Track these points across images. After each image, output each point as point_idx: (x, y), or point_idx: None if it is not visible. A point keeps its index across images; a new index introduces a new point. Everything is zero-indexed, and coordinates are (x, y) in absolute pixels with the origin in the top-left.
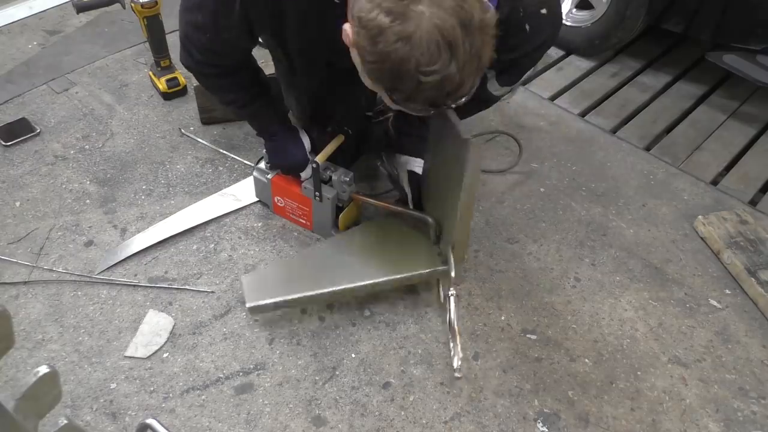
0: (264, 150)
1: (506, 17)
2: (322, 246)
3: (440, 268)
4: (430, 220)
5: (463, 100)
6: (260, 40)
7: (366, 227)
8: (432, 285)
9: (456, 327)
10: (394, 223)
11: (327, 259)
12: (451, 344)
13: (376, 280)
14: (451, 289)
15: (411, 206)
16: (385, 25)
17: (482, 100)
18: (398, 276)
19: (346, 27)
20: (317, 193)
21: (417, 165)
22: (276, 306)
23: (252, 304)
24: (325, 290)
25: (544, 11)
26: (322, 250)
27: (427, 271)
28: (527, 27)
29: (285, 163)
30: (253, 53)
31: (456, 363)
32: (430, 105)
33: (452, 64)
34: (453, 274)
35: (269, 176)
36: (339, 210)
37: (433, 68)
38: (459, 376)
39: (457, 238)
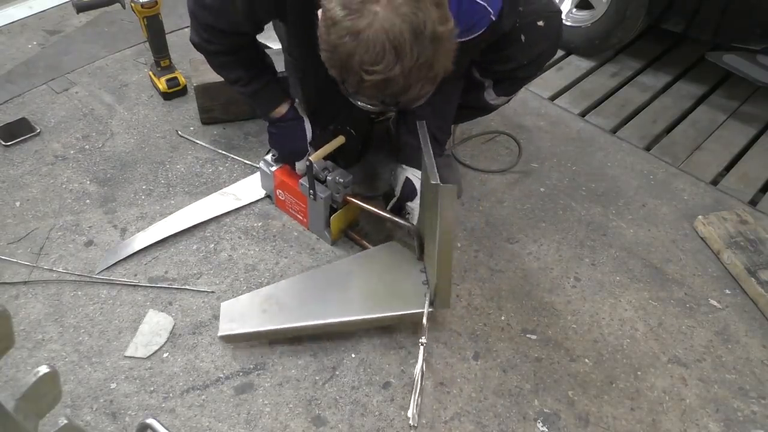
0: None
1: (508, 30)
2: (308, 276)
3: (420, 310)
4: (412, 228)
5: (418, 103)
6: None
7: (357, 259)
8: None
9: (419, 379)
10: (386, 254)
11: (310, 290)
12: (412, 396)
13: (353, 318)
14: (423, 337)
15: (388, 207)
16: (338, 18)
17: (480, 108)
18: (377, 316)
19: (318, 13)
20: (311, 191)
21: (416, 175)
22: (248, 337)
23: (223, 334)
24: (298, 325)
25: (540, 23)
26: (308, 281)
27: (409, 312)
28: (522, 38)
29: (284, 149)
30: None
31: (411, 419)
32: (380, 102)
33: (396, 67)
34: (425, 321)
35: (273, 168)
36: (333, 211)
37: (375, 68)
38: (414, 424)
39: (438, 285)
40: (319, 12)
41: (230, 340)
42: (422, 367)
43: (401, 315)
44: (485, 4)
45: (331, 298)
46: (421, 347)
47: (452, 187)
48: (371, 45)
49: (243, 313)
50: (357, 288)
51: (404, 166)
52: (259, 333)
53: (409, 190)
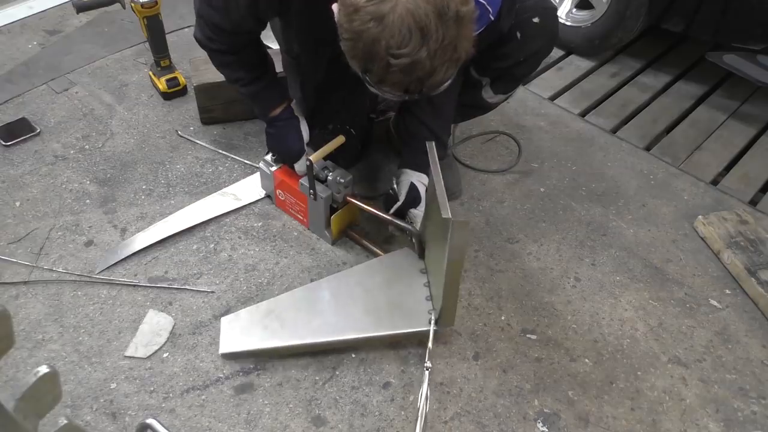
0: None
1: (506, 31)
2: (310, 289)
3: (423, 329)
4: (414, 231)
5: (441, 88)
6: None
7: (361, 271)
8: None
9: (424, 408)
10: (391, 265)
11: (312, 306)
12: (417, 425)
13: (357, 336)
14: (428, 361)
15: (391, 210)
16: (360, 4)
17: (478, 107)
18: (379, 334)
19: (334, 6)
20: (312, 191)
21: (420, 180)
22: (250, 354)
23: (225, 351)
24: (301, 342)
25: (536, 20)
26: (310, 295)
27: (413, 330)
28: (518, 35)
29: (280, 150)
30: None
31: None
32: (404, 90)
33: (423, 50)
34: (430, 345)
35: (273, 168)
36: (333, 211)
37: (403, 51)
38: None
39: (444, 306)
40: (335, 5)
41: (232, 357)
42: (427, 392)
43: (404, 333)
44: (485, 3)
45: (333, 315)
46: (426, 372)
47: (465, 222)
48: (397, 28)
49: (244, 330)
50: (360, 304)
51: (408, 170)
52: (261, 351)
53: (412, 197)
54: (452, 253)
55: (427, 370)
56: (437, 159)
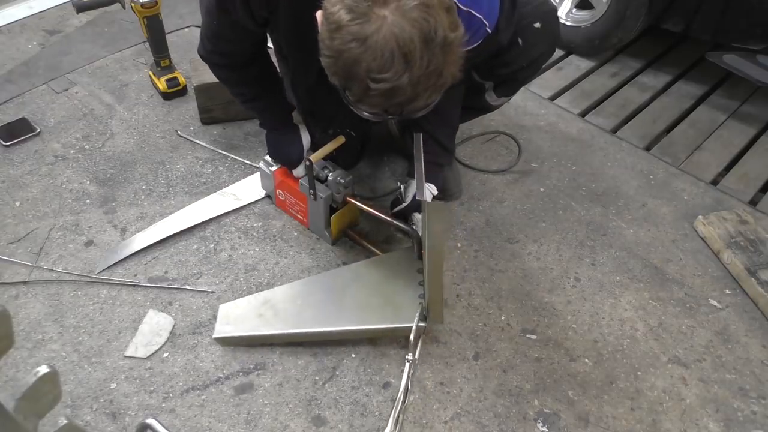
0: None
1: (506, 43)
2: (308, 282)
3: (408, 325)
4: (412, 231)
5: (421, 113)
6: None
7: (359, 268)
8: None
9: (402, 400)
10: (390, 264)
11: (307, 297)
12: (391, 413)
13: (346, 328)
14: (409, 354)
15: (394, 210)
16: (343, 22)
17: (481, 109)
18: (368, 327)
19: (318, 15)
20: (312, 191)
21: (429, 188)
22: (242, 340)
23: (218, 336)
24: (290, 332)
25: (537, 25)
26: (307, 287)
27: (401, 326)
28: (520, 41)
29: (280, 157)
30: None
31: None
32: (383, 111)
33: (405, 76)
34: (411, 337)
35: (273, 168)
36: (333, 211)
37: (383, 76)
38: None
39: (430, 299)
40: (319, 14)
41: (225, 342)
42: (407, 385)
43: (392, 328)
44: (481, 17)
45: (326, 307)
46: (407, 364)
47: (440, 204)
48: (379, 51)
49: (239, 317)
50: (353, 298)
51: (413, 181)
52: (253, 337)
53: (418, 202)
54: (431, 238)
55: (408, 362)
56: (422, 149)
